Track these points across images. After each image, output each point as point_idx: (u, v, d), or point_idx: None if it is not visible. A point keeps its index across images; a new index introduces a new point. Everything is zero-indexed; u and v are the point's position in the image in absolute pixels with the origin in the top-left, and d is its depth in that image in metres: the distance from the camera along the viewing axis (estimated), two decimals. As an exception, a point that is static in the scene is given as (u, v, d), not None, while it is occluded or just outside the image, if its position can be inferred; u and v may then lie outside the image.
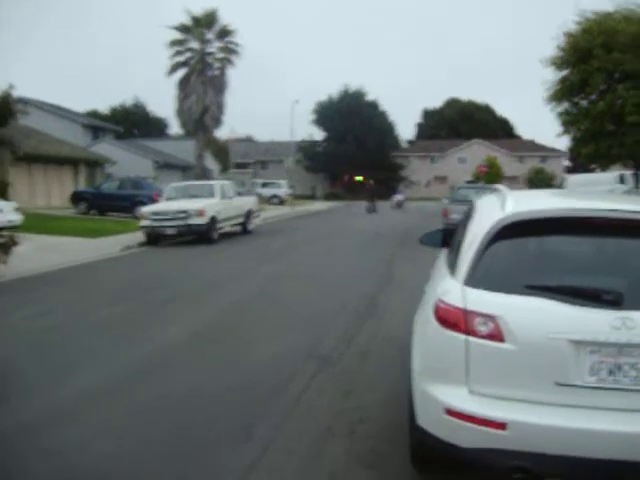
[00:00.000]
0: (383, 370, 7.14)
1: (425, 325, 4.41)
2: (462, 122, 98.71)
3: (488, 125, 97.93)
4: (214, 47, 48.16)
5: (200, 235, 22.92)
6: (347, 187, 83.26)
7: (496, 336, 3.81)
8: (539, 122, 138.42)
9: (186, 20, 47.26)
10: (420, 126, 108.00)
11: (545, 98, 27.44)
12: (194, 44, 47.76)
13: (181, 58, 47.65)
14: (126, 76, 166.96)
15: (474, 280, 4.03)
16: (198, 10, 47.45)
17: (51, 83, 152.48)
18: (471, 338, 3.86)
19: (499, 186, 5.66)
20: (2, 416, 5.97)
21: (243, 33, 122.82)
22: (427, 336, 4.33)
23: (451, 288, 4.16)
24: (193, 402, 6.30)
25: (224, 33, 47.55)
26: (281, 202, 58.32)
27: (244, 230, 27.23)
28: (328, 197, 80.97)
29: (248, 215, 27.54)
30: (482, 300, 3.90)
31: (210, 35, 47.58)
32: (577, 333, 3.70)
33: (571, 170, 68.45)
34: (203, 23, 46.93)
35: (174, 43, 47.30)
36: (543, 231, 4.15)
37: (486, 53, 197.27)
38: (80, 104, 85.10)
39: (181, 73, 47.76)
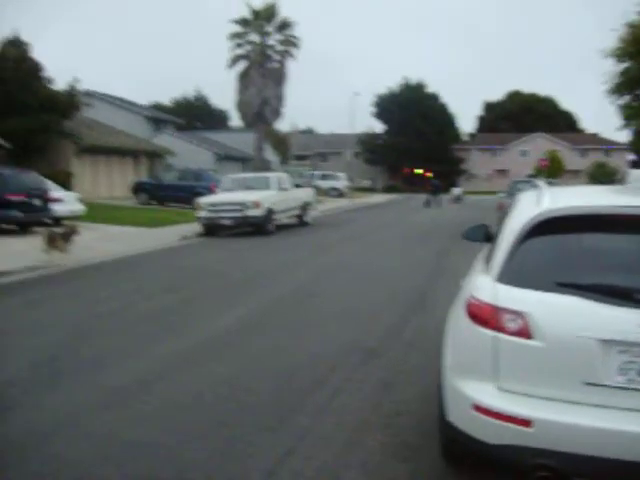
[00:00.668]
0: (426, 363, 7.15)
1: (457, 321, 4.45)
2: (524, 115, 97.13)
3: (551, 118, 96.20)
4: (274, 40, 48.55)
5: (256, 226, 23.18)
6: (407, 180, 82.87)
7: (525, 333, 3.81)
8: (604, 115, 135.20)
9: (246, 13, 47.71)
10: (481, 119, 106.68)
11: (605, 91, 26.85)
12: (254, 37, 48.23)
13: (241, 51, 48.17)
14: (189, 69, 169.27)
15: (506, 277, 4.05)
16: (258, 3, 47.83)
17: (116, 76, 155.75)
18: (500, 334, 3.88)
19: (539, 182, 5.62)
20: (47, 400, 6.20)
21: (303, 26, 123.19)
22: (458, 331, 4.37)
23: (483, 284, 4.18)
24: (235, 389, 6.44)
25: (284, 26, 47.85)
26: (340, 194, 58.29)
27: (301, 222, 27.42)
28: (387, 190, 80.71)
29: (305, 207, 27.71)
30: (512, 297, 3.91)
31: (270, 28, 47.95)
32: (606, 332, 3.67)
33: (637, 164, 66.72)
34: (263, 16, 47.29)
35: (234, 36, 47.80)
36: (576, 228, 4.12)
37: (550, 44, 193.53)
38: (143, 96, 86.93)
39: (241, 66, 48.28)
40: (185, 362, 7.47)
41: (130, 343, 8.32)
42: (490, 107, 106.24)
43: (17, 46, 33.69)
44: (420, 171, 77.08)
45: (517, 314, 3.84)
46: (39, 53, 55.43)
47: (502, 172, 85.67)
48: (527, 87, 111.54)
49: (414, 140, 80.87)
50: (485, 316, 3.96)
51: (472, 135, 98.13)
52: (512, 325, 3.85)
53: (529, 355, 3.81)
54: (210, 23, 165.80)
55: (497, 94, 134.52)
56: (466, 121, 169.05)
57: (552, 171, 61.98)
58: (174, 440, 5.20)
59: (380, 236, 23.21)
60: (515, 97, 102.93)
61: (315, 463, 4.78)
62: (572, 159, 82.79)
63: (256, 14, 47.48)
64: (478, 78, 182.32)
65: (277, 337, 8.61)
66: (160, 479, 4.58)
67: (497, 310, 3.91)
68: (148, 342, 8.36)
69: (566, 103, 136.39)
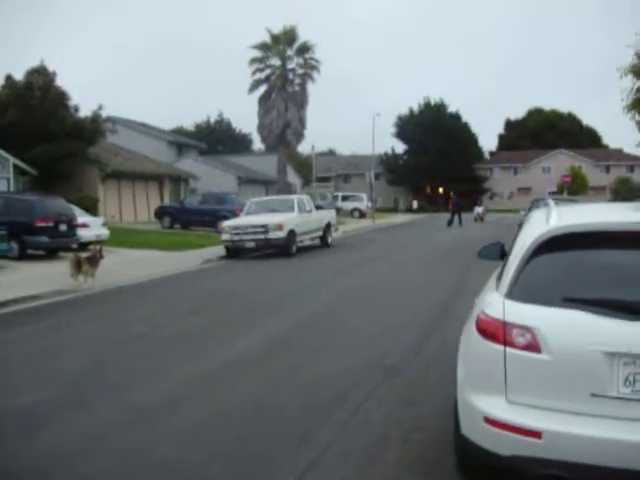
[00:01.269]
0: (446, 380, 7.23)
1: (468, 336, 4.61)
2: (546, 132, 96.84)
3: (573, 134, 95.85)
4: (294, 63, 49.11)
5: (279, 249, 23.37)
6: (429, 199, 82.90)
7: (533, 347, 3.96)
8: (628, 131, 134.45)
9: (266, 38, 48.28)
10: (502, 137, 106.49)
11: (623, 107, 26.84)
12: (274, 61, 48.84)
13: (262, 75, 48.78)
14: (211, 93, 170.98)
15: (514, 293, 4.21)
16: (278, 26, 48.42)
17: (139, 101, 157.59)
18: (509, 349, 4.03)
19: (549, 200, 5.76)
20: (75, 419, 6.41)
21: (323, 48, 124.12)
22: (469, 347, 4.52)
23: (493, 301, 4.35)
24: (258, 408, 6.62)
25: (304, 49, 48.38)
26: (362, 215, 58.46)
27: (323, 243, 27.58)
28: (410, 210, 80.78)
29: (327, 228, 27.87)
30: (520, 312, 4.07)
31: (290, 52, 48.50)
32: (611, 345, 3.81)
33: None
34: (283, 40, 47.86)
35: (255, 60, 48.42)
36: (583, 245, 4.26)
37: (571, 61, 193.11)
38: (166, 121, 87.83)
39: (262, 89, 48.81)
40: (209, 382, 7.66)
41: (155, 364, 8.53)
42: (511, 125, 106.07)
43: (43, 75, 34.43)
44: (442, 190, 77.11)
45: (525, 329, 4.00)
46: (64, 81, 56.35)
47: (525, 190, 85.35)
48: (548, 104, 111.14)
49: (436, 160, 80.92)
50: (494, 331, 4.12)
51: (493, 153, 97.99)
52: (521, 340, 4.01)
53: (537, 368, 3.96)
54: (232, 47, 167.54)
55: (518, 112, 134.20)
56: (487, 139, 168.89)
57: (575, 188, 61.74)
58: (199, 457, 5.38)
59: (402, 256, 23.35)
60: (536, 114, 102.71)
61: (335, 477, 4.93)
62: (595, 175, 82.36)
63: (276, 38, 48.07)
64: (499, 96, 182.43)
65: (299, 357, 8.78)
66: (186, 493, 4.76)
67: (505, 325, 4.06)
68: (173, 363, 8.56)
69: (588, 119, 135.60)
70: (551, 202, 5.44)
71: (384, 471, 5.04)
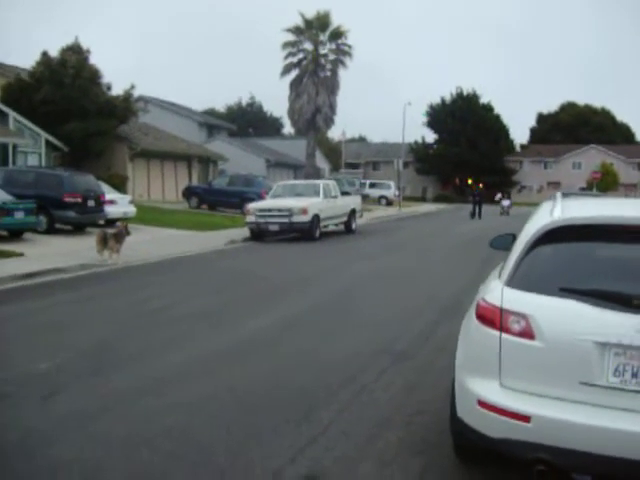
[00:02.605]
0: (453, 367, 7.41)
1: (468, 321, 4.75)
2: (578, 127, 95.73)
3: (606, 130, 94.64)
4: (326, 49, 49.12)
5: (303, 233, 23.55)
6: (458, 190, 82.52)
7: (527, 334, 4.09)
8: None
9: (300, 22, 48.31)
10: (533, 130, 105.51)
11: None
12: (307, 45, 48.91)
13: (294, 59, 48.89)
14: (244, 76, 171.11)
15: (514, 281, 4.33)
16: (312, 12, 48.46)
17: (171, 82, 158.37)
18: (504, 335, 4.16)
19: (557, 193, 5.85)
20: (92, 385, 6.67)
21: (356, 35, 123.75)
22: (468, 331, 4.66)
23: (493, 288, 4.48)
24: (267, 384, 6.82)
25: (336, 35, 48.36)
26: (389, 203, 58.42)
27: (347, 229, 27.69)
28: (438, 199, 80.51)
29: (352, 215, 27.96)
30: (517, 300, 4.19)
31: (322, 37, 48.48)
32: (603, 335, 3.92)
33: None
34: (316, 25, 47.89)
35: (287, 45, 48.51)
36: (582, 237, 4.36)
37: (607, 56, 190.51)
38: (198, 103, 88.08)
39: (294, 74, 48.89)
40: (221, 358, 7.87)
41: (171, 339, 8.76)
42: (543, 118, 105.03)
43: (77, 52, 34.82)
44: (471, 181, 76.69)
45: (521, 316, 4.12)
46: (97, 59, 56.91)
47: (554, 184, 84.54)
48: (582, 98, 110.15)
49: (466, 150, 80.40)
50: (491, 317, 4.25)
51: (524, 146, 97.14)
52: (516, 326, 4.13)
53: (530, 355, 4.08)
54: (265, 30, 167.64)
55: (551, 105, 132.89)
56: (518, 132, 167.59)
57: (605, 184, 61.14)
58: (205, 426, 5.60)
59: (423, 245, 23.45)
60: (569, 108, 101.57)
61: (335, 453, 5.10)
62: (627, 172, 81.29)
63: (309, 23, 48.11)
64: (532, 89, 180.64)
65: (312, 338, 8.96)
66: (189, 460, 4.96)
67: (502, 312, 4.19)
68: (188, 339, 8.80)
69: (622, 115, 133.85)
70: (558, 195, 5.54)
71: (384, 450, 5.19)
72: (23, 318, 10.12)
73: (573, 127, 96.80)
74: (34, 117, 32.54)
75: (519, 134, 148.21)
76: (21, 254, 16.31)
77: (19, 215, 18.73)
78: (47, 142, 33.02)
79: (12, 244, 17.94)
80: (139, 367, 7.39)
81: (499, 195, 56.10)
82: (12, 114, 31.41)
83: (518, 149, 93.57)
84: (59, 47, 35.25)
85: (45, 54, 34.80)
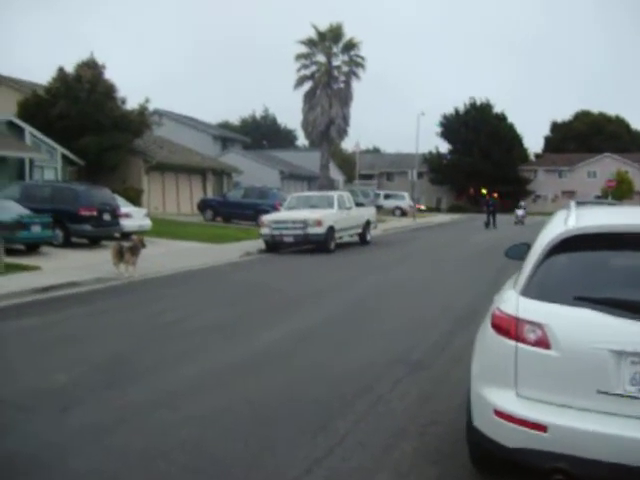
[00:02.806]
0: (468, 377, 7.38)
1: (484, 331, 4.74)
2: (592, 135, 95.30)
3: (621, 138, 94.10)
4: (339, 60, 49.27)
5: (317, 244, 23.54)
6: (472, 200, 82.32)
7: (543, 343, 4.07)
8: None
9: (313, 34, 48.53)
10: (548, 139, 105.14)
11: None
12: (320, 57, 49.08)
13: (307, 72, 49.09)
14: (257, 89, 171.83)
15: (529, 290, 4.33)
16: (324, 24, 48.67)
17: (185, 95, 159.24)
18: (520, 344, 4.15)
19: (571, 202, 5.83)
20: (107, 399, 6.69)
21: (369, 46, 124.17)
22: (484, 341, 4.65)
23: (508, 297, 4.48)
24: (282, 396, 6.81)
25: (349, 46, 48.54)
26: (403, 214, 58.35)
27: (362, 240, 27.67)
28: (452, 209, 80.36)
29: (366, 226, 27.95)
30: (532, 309, 4.18)
31: (335, 49, 48.66)
32: (619, 344, 3.90)
33: None
34: (329, 37, 48.10)
35: (300, 57, 48.74)
36: (597, 246, 4.35)
37: (621, 64, 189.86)
38: (212, 116, 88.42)
39: (307, 86, 49.07)
40: (236, 371, 7.88)
41: (186, 351, 8.79)
42: (557, 127, 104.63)
43: (92, 68, 35.09)
44: (485, 191, 76.45)
45: (536, 325, 4.11)
46: (112, 74, 57.26)
47: (569, 193, 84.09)
48: (596, 107, 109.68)
49: (480, 160, 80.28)
50: (507, 327, 4.25)
51: (538, 155, 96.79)
52: (531, 336, 4.12)
53: (546, 364, 4.07)
54: (279, 43, 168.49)
55: (565, 114, 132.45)
56: (532, 141, 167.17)
57: (621, 192, 60.79)
58: (220, 439, 5.61)
59: (437, 255, 23.38)
60: (583, 117, 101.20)
61: (351, 464, 5.09)
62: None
63: (322, 35, 48.31)
64: (545, 98, 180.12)
65: (327, 349, 8.96)
66: (206, 472, 4.97)
67: (518, 321, 4.18)
68: (203, 351, 8.83)
69: (636, 123, 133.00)
70: (572, 204, 5.53)
71: (400, 460, 5.18)
72: (40, 331, 10.19)
73: (587, 135, 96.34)
74: (50, 132, 32.83)
75: (533, 143, 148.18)
76: (38, 268, 16.42)
77: (36, 229, 18.87)
78: (63, 156, 33.29)
79: (29, 258, 18.07)
80: (154, 380, 7.42)
81: (523, 203, 55.63)
82: (28, 129, 31.70)
83: (532, 158, 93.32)
84: (75, 62, 35.59)
85: (61, 70, 35.11)
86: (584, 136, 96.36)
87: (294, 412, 6.30)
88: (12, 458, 5.24)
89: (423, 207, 57.56)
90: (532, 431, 4.00)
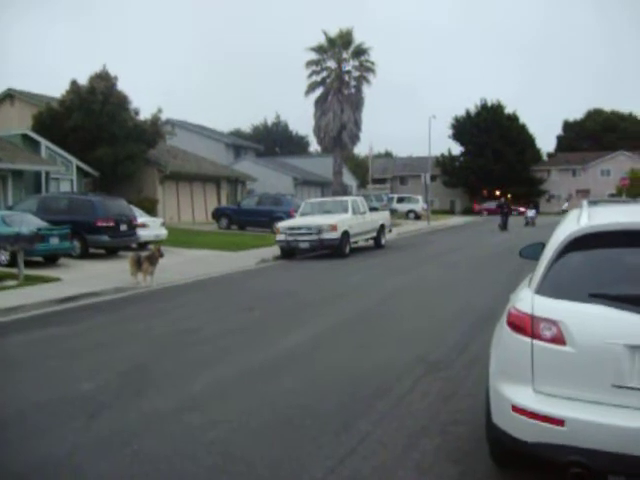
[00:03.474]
0: (487, 377, 7.49)
1: (500, 329, 4.86)
2: (605, 133, 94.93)
3: (635, 136, 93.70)
4: (350, 66, 49.44)
5: (333, 249, 23.70)
6: (486, 201, 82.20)
7: (558, 340, 4.20)
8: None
9: (322, 41, 48.75)
10: (560, 138, 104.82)
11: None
12: (330, 63, 49.24)
13: (318, 78, 49.27)
14: (269, 96, 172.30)
15: (544, 288, 4.45)
16: (334, 30, 48.81)
17: (197, 104, 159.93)
18: (536, 341, 4.27)
19: (584, 201, 5.94)
20: (133, 404, 6.86)
21: (379, 51, 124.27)
22: (501, 339, 4.78)
23: (523, 296, 4.60)
24: (305, 397, 6.95)
25: (359, 52, 48.70)
26: (417, 217, 58.39)
27: (377, 244, 27.81)
28: (466, 211, 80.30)
29: (381, 230, 28.08)
30: (547, 307, 4.31)
31: (346, 54, 48.82)
32: (633, 338, 4.01)
33: None
34: (339, 43, 48.28)
35: (311, 63, 48.95)
36: (609, 243, 4.46)
37: (634, 61, 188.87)
38: (224, 124, 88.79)
39: (319, 92, 49.22)
40: (257, 374, 8.02)
41: (208, 357, 8.95)
42: (569, 126, 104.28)
43: (105, 79, 35.42)
44: (499, 193, 76.35)
45: (552, 322, 4.23)
46: (125, 85, 57.76)
47: (583, 192, 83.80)
48: (608, 105, 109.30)
49: (492, 161, 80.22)
50: (523, 324, 4.37)
51: (551, 155, 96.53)
52: (547, 333, 4.24)
53: (562, 360, 4.19)
54: (289, 50, 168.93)
55: (577, 113, 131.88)
56: (545, 141, 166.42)
57: (635, 190, 60.41)
58: (246, 440, 5.75)
59: (453, 258, 23.44)
60: (596, 115, 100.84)
61: (373, 463, 5.22)
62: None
63: (332, 41, 48.51)
64: (557, 97, 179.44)
65: (346, 351, 9.10)
66: (233, 473, 5.11)
67: (533, 319, 4.31)
68: (226, 356, 8.99)
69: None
70: (585, 202, 5.64)
71: (421, 459, 5.30)
72: (64, 340, 10.40)
73: (600, 134, 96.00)
74: (65, 144, 33.23)
75: (546, 143, 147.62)
76: (58, 279, 16.66)
77: (54, 241, 19.12)
78: (78, 168, 33.65)
79: (48, 269, 18.32)
80: (178, 385, 7.58)
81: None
82: (44, 142, 32.08)
83: (545, 158, 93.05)
84: (88, 75, 35.96)
85: (74, 82, 35.45)
86: (597, 134, 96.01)
87: (316, 413, 6.44)
88: (43, 462, 5.40)
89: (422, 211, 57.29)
90: (550, 425, 4.11)
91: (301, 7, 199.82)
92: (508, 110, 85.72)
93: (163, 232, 25.75)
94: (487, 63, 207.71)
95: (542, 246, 6.98)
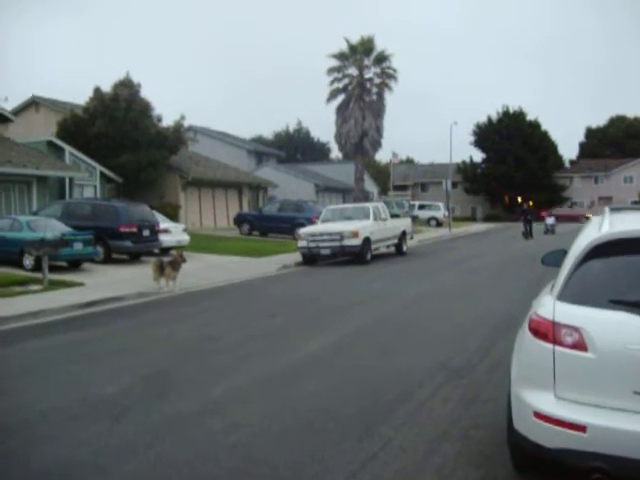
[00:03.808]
0: (508, 384, 7.49)
1: (522, 336, 4.88)
2: (628, 140, 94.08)
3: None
4: (371, 73, 49.47)
5: (354, 256, 23.71)
6: (507, 208, 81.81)
7: (580, 346, 4.21)
8: None
9: (344, 48, 48.83)
10: (583, 145, 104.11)
11: None
12: (352, 70, 49.30)
13: (339, 85, 49.34)
14: (291, 103, 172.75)
15: (565, 295, 4.47)
16: (356, 37, 48.90)
17: (220, 111, 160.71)
18: (558, 347, 4.29)
19: (605, 208, 5.94)
20: (156, 407, 6.93)
21: (401, 58, 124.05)
22: (522, 345, 4.79)
23: (545, 302, 4.62)
24: (327, 402, 6.99)
25: (381, 59, 48.72)
26: (439, 224, 58.28)
27: (398, 251, 27.78)
28: (488, 218, 79.95)
29: (402, 237, 28.06)
30: (569, 313, 4.32)
31: (367, 61, 48.86)
32: None
33: None
34: (360, 50, 48.33)
35: (332, 70, 49.03)
36: (631, 250, 4.47)
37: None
38: (246, 131, 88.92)
39: (340, 99, 49.29)
40: (280, 379, 8.08)
41: (230, 362, 9.03)
42: (592, 133, 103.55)
43: (129, 87, 35.75)
44: (520, 199, 75.91)
45: (573, 329, 4.25)
46: (148, 92, 58.19)
47: (605, 199, 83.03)
48: (632, 111, 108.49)
49: (514, 168, 79.81)
50: (544, 331, 4.39)
51: (573, 162, 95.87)
52: (569, 339, 4.26)
53: (584, 366, 4.20)
54: (311, 57, 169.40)
55: (599, 119, 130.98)
56: (568, 147, 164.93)
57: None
58: (268, 444, 5.80)
59: (474, 265, 23.38)
60: (619, 122, 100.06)
61: (394, 467, 5.24)
62: (682, 184, 79.65)
63: (353, 48, 48.58)
64: (579, 103, 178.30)
65: (368, 357, 9.12)
66: (255, 475, 5.16)
67: (555, 325, 4.32)
68: (248, 360, 9.06)
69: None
70: (606, 210, 5.64)
71: (442, 463, 5.31)
72: (88, 344, 10.52)
73: (623, 140, 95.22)
74: (88, 151, 33.59)
75: (568, 149, 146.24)
76: (81, 284, 16.83)
77: (78, 246, 19.34)
78: (102, 174, 33.98)
79: (72, 274, 18.52)
80: (200, 389, 7.65)
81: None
82: (68, 149, 32.44)
83: (567, 165, 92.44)
84: (111, 82, 36.33)
85: (98, 90, 35.81)
86: (620, 141, 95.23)
87: (338, 418, 6.47)
88: (68, 464, 5.48)
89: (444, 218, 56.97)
90: (571, 431, 4.12)
91: (318, 14, 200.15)
92: (530, 117, 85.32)
93: (185, 238, 25.91)
94: (510, 70, 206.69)
95: (564, 253, 6.98)
